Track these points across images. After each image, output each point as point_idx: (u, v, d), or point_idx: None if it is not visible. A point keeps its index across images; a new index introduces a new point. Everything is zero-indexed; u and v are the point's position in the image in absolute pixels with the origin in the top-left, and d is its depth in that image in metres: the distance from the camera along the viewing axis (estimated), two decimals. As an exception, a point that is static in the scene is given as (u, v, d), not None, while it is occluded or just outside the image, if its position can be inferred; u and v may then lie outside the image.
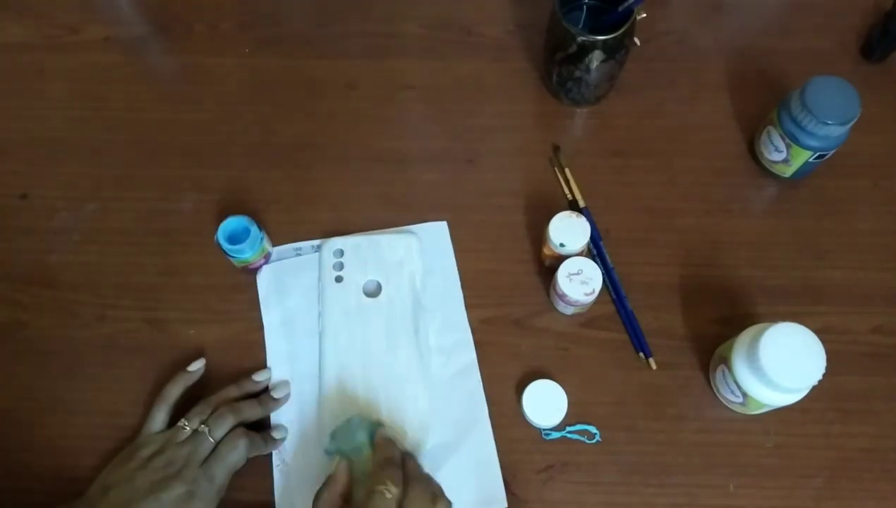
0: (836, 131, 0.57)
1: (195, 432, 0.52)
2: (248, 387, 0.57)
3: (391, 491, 0.46)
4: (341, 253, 0.61)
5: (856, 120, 0.57)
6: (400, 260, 0.60)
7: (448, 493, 0.50)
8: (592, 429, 0.56)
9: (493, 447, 0.55)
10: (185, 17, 0.74)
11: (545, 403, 0.55)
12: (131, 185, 0.66)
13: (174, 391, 0.55)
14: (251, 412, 0.55)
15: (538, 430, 0.56)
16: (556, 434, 0.56)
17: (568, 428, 0.56)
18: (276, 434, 0.55)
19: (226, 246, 0.57)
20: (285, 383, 0.57)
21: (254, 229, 0.58)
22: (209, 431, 0.52)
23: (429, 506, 0.47)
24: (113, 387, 0.58)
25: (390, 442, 0.51)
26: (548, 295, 0.60)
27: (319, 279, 0.60)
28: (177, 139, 0.68)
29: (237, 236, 0.58)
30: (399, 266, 0.60)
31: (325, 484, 0.49)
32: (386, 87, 0.70)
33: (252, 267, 0.60)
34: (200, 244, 0.62)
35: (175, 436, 0.52)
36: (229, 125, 0.69)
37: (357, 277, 0.60)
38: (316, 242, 0.62)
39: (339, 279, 0.60)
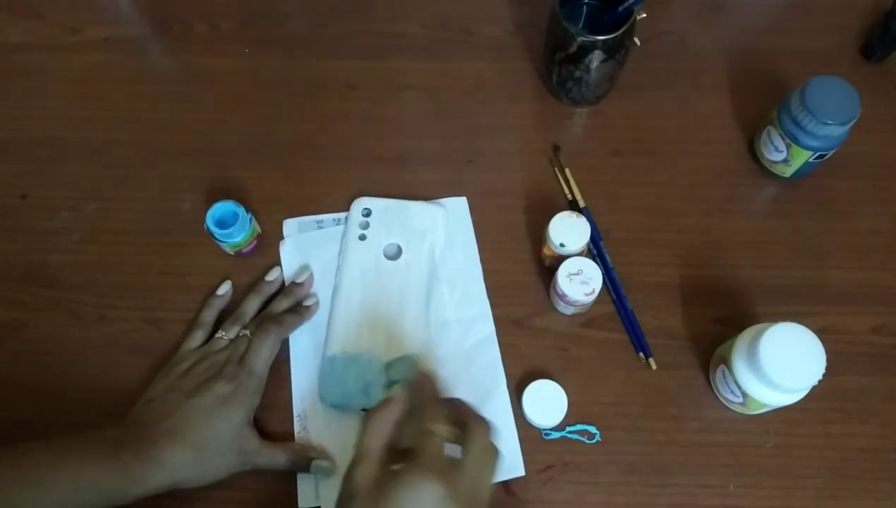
0: (836, 131, 0.57)
1: (236, 337, 0.55)
2: (266, 290, 0.59)
3: (442, 431, 0.41)
4: (369, 212, 0.62)
5: (856, 120, 0.57)
6: (424, 229, 0.61)
7: None
8: (592, 429, 0.56)
9: (511, 416, 0.56)
10: (185, 17, 0.74)
11: (545, 403, 0.55)
12: (131, 185, 0.66)
13: (208, 315, 0.58)
14: (293, 324, 0.57)
15: (538, 430, 0.56)
16: (556, 435, 0.56)
17: (568, 428, 0.56)
18: (308, 303, 0.58)
19: (216, 231, 0.58)
20: (304, 267, 0.61)
21: (241, 212, 0.59)
22: (251, 335, 0.55)
23: (489, 458, 0.41)
24: (113, 387, 0.58)
25: (430, 378, 0.45)
26: (548, 295, 0.60)
27: (344, 234, 0.62)
28: (177, 139, 0.68)
29: (225, 221, 0.59)
30: (422, 235, 0.61)
31: (380, 406, 0.43)
32: (386, 87, 0.70)
33: (244, 250, 0.61)
34: (200, 244, 0.62)
35: (213, 346, 0.55)
36: (229, 125, 0.69)
37: (380, 238, 0.61)
38: (338, 215, 0.63)
39: (362, 237, 0.61)
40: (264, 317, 0.57)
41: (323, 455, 0.54)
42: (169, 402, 0.51)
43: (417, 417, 0.42)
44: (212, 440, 0.50)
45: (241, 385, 0.52)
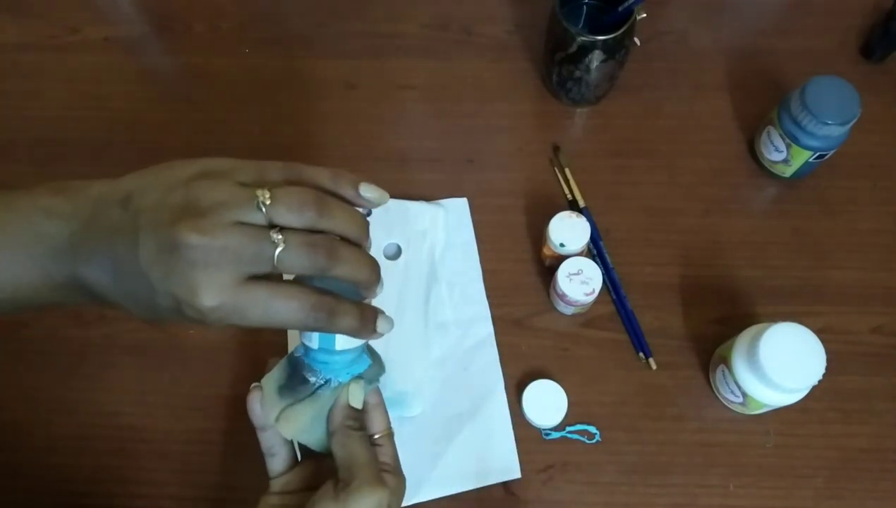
0: (836, 131, 0.57)
1: (267, 230, 0.33)
2: (344, 191, 0.38)
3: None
4: (369, 212, 0.62)
5: (856, 120, 0.57)
6: (424, 229, 0.61)
7: (463, 462, 0.54)
8: (592, 429, 0.56)
9: (508, 418, 0.56)
10: (185, 17, 0.74)
11: (545, 403, 0.55)
12: (131, 185, 0.66)
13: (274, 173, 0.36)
14: (353, 269, 0.36)
15: (538, 430, 0.56)
16: (556, 434, 0.56)
17: (568, 428, 0.56)
18: (381, 325, 0.39)
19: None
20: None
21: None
22: (282, 252, 0.32)
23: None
24: (113, 387, 0.58)
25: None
26: (548, 295, 0.60)
27: None
28: (177, 139, 0.68)
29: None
30: (422, 235, 0.61)
31: (354, 435, 0.40)
32: (386, 87, 0.70)
33: None
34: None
35: (240, 208, 0.33)
36: (229, 125, 0.69)
37: (380, 237, 0.61)
38: None
39: None
40: (318, 249, 0.34)
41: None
42: (125, 226, 0.33)
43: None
44: (130, 303, 0.34)
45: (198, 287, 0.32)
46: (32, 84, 0.71)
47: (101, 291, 0.35)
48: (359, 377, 0.41)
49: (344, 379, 0.40)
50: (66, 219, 0.35)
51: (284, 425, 0.40)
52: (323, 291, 0.35)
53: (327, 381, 0.40)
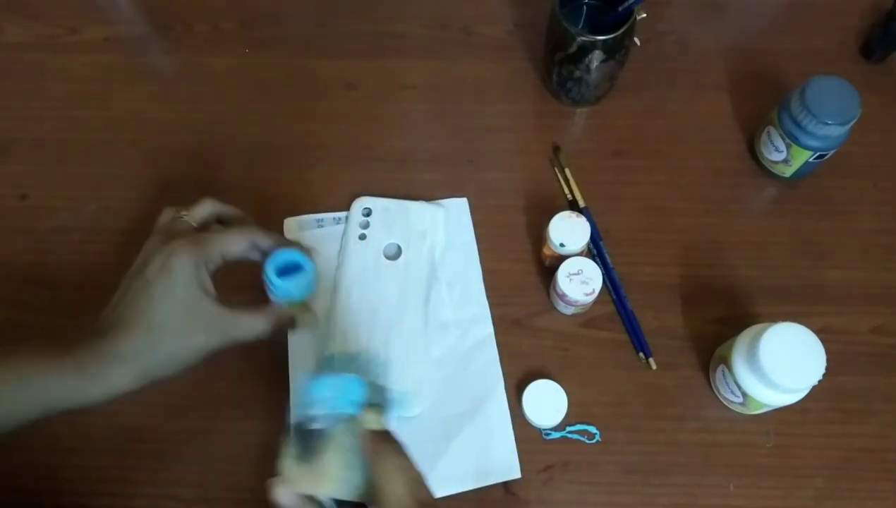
0: (836, 131, 0.57)
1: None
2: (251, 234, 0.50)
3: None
4: (369, 212, 0.62)
5: (856, 120, 0.57)
6: (424, 229, 0.61)
7: (463, 462, 0.54)
8: (592, 429, 0.56)
9: (508, 418, 0.56)
10: (185, 17, 0.74)
11: (545, 403, 0.55)
12: (131, 185, 0.66)
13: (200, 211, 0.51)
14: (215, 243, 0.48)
15: (538, 430, 0.56)
16: (556, 434, 0.56)
17: (568, 428, 0.56)
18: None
19: (274, 280, 0.48)
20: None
21: (309, 266, 0.48)
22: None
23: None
24: (113, 387, 0.58)
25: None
26: (548, 295, 0.60)
27: (344, 234, 0.62)
28: (177, 139, 0.68)
29: (285, 271, 0.48)
30: (422, 235, 0.61)
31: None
32: (386, 87, 0.70)
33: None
34: (200, 244, 0.62)
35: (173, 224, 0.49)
36: (229, 125, 0.69)
37: (380, 238, 0.61)
38: (338, 214, 0.63)
39: (362, 237, 0.61)
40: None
41: (306, 308, 0.50)
42: (120, 288, 0.46)
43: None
44: (165, 318, 0.44)
45: (174, 251, 0.45)
46: (32, 84, 0.71)
47: (127, 367, 0.44)
48: (370, 406, 0.42)
49: (349, 409, 0.41)
50: (67, 330, 0.44)
51: (320, 482, 0.40)
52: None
53: (329, 415, 0.41)
